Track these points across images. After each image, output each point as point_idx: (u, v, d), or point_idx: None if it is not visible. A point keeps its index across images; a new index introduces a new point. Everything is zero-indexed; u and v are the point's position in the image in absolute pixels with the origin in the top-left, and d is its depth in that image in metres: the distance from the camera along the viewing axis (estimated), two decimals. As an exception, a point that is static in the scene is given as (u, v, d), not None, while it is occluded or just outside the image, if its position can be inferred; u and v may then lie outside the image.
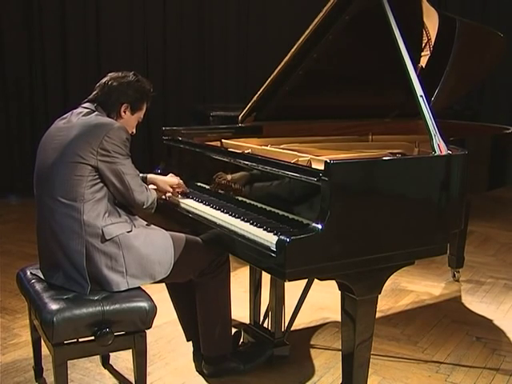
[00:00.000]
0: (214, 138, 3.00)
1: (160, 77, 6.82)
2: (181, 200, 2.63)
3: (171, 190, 2.65)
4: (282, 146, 2.80)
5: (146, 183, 2.57)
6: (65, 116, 2.39)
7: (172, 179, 2.68)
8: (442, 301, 3.66)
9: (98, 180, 2.25)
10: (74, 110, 2.40)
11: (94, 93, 2.42)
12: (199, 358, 2.65)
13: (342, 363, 2.24)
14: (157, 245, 2.31)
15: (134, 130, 2.52)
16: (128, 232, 2.26)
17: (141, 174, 2.56)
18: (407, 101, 2.87)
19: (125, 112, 2.42)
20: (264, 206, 2.31)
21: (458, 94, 3.69)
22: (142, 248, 2.26)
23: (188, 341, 2.73)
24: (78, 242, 2.19)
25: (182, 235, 2.42)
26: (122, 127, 2.32)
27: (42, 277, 2.34)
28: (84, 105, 2.40)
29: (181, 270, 2.36)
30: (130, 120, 2.45)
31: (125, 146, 2.30)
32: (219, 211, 2.42)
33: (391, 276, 2.19)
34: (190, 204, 2.58)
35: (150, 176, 2.67)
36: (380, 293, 2.18)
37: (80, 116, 2.33)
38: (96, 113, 2.35)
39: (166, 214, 2.69)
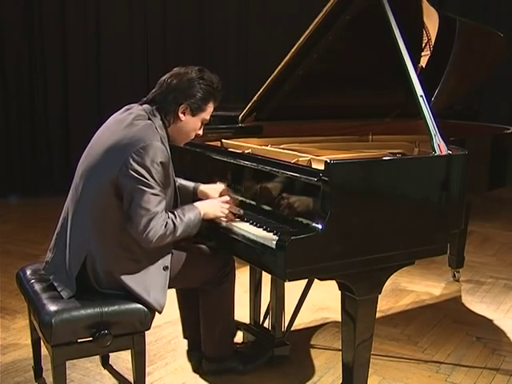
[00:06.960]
0: (214, 138, 3.00)
1: (160, 77, 6.79)
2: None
3: (217, 196, 2.34)
4: (282, 146, 2.80)
5: (196, 194, 2.38)
6: (126, 109, 2.19)
7: (221, 186, 2.40)
8: (442, 301, 3.65)
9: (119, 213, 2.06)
10: (135, 107, 2.18)
11: (153, 91, 2.20)
12: (194, 357, 2.67)
13: (342, 363, 2.25)
14: (155, 286, 2.18)
15: (201, 132, 2.27)
16: (128, 273, 2.12)
17: (192, 184, 2.37)
18: (407, 101, 2.87)
19: (184, 113, 2.16)
20: (264, 206, 2.31)
21: (459, 94, 3.69)
22: (138, 289, 2.15)
23: (185, 338, 2.74)
24: (78, 261, 2.13)
25: (183, 254, 2.28)
26: (158, 148, 2.02)
27: (44, 262, 2.29)
28: (144, 106, 2.18)
29: (182, 283, 2.35)
30: (190, 122, 2.18)
31: (152, 169, 2.00)
32: (219, 211, 2.41)
33: (391, 276, 2.19)
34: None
35: (202, 187, 2.38)
36: (380, 293, 2.18)
37: (131, 118, 2.11)
38: (145, 122, 2.09)
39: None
